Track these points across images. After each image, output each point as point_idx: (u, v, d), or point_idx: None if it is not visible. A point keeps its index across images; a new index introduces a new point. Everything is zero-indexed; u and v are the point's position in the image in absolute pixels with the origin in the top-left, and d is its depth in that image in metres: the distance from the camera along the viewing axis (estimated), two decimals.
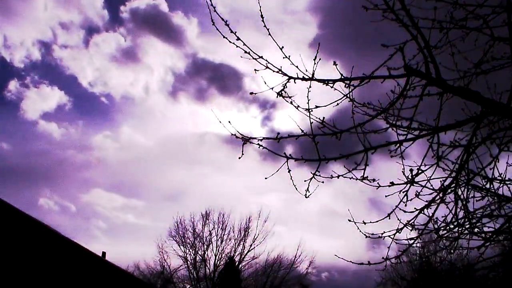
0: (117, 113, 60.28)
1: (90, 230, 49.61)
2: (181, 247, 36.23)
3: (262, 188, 60.43)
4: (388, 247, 4.65)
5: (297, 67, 4.23)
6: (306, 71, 4.23)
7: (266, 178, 4.82)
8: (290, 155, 4.55)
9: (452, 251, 5.07)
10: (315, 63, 4.18)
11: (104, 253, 18.43)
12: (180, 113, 60.03)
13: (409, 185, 4.52)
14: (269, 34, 4.24)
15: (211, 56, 59.16)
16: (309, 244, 45.69)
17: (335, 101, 4.38)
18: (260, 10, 4.19)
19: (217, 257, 36.03)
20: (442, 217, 4.63)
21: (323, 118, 4.39)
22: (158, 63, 63.11)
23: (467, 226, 4.74)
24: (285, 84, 4.35)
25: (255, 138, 4.50)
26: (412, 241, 4.69)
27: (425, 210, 4.55)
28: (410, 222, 4.56)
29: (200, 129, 59.50)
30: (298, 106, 4.41)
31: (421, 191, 4.58)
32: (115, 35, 57.40)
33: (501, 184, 4.71)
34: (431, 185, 4.59)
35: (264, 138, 4.48)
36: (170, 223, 45.43)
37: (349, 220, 4.58)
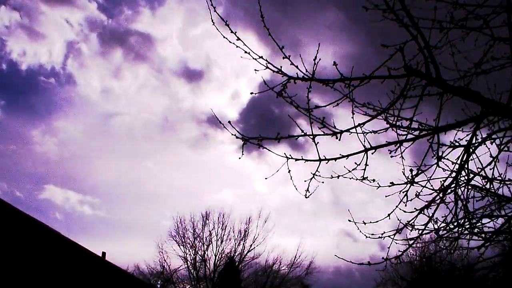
0: None
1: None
2: (181, 247, 36.26)
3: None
4: (388, 247, 4.66)
5: (297, 67, 4.23)
6: (306, 71, 4.23)
7: (266, 179, 4.83)
8: (290, 155, 4.55)
9: (452, 251, 5.07)
10: (315, 63, 4.18)
11: (104, 253, 18.42)
12: None
13: (409, 185, 4.52)
14: (269, 34, 4.24)
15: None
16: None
17: (335, 101, 4.38)
18: (260, 10, 4.19)
19: (217, 257, 36.07)
20: (442, 217, 4.64)
21: (323, 118, 4.39)
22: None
23: (467, 226, 4.74)
24: (285, 84, 4.35)
25: (255, 138, 4.49)
26: (412, 241, 4.69)
27: (425, 210, 4.56)
28: (410, 222, 4.57)
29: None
30: (298, 106, 4.41)
31: (421, 191, 4.59)
32: None
33: (501, 184, 4.71)
34: (431, 185, 4.60)
35: (263, 138, 4.48)
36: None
37: (349, 220, 4.58)
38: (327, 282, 37.49)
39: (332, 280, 37.54)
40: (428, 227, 4.61)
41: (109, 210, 52.17)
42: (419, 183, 4.56)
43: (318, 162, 4.50)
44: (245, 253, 36.11)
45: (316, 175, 4.54)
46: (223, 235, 36.52)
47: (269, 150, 4.56)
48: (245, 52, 4.25)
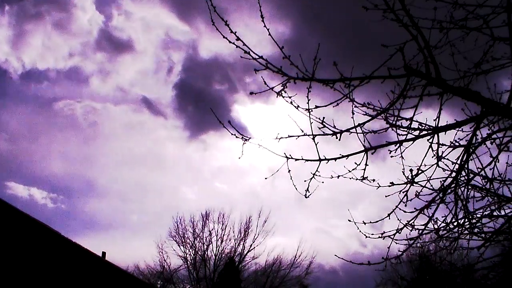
0: None
1: None
2: (181, 247, 36.25)
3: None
4: (388, 247, 4.65)
5: (297, 67, 4.23)
6: (306, 71, 4.23)
7: (266, 179, 4.83)
8: (290, 155, 4.55)
9: (452, 251, 5.06)
10: (315, 63, 4.18)
11: (104, 253, 18.42)
12: None
13: (409, 185, 4.52)
14: (269, 34, 4.24)
15: None
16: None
17: (335, 101, 4.38)
18: (260, 10, 4.19)
19: (217, 257, 36.05)
20: (442, 217, 4.64)
21: (323, 118, 4.39)
22: None
23: (467, 226, 4.74)
24: (285, 84, 4.35)
25: (255, 138, 4.51)
26: (412, 241, 4.69)
27: (425, 210, 4.55)
28: (410, 222, 4.56)
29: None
30: (298, 106, 4.41)
31: (421, 191, 4.58)
32: None
33: (501, 184, 4.71)
34: (431, 185, 4.60)
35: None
36: None
37: (349, 220, 4.58)
38: (310, 279, 37.54)
39: (315, 276, 37.63)
40: (428, 227, 4.60)
41: (69, 204, 51.54)
42: (419, 183, 4.56)
43: (318, 162, 4.50)
44: (245, 253, 36.15)
45: (316, 175, 4.54)
46: (223, 235, 36.56)
47: (269, 150, 4.57)
48: (245, 52, 4.25)
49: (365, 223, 4.56)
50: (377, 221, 4.60)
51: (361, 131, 4.43)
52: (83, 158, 52.14)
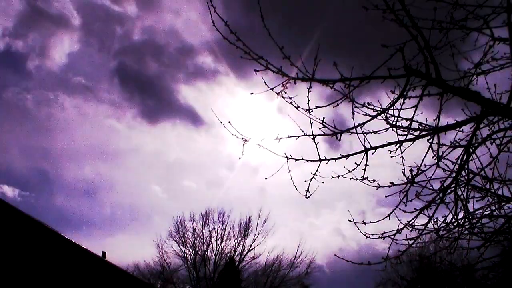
0: None
1: None
2: (181, 247, 36.26)
3: None
4: (388, 247, 4.65)
5: (297, 67, 4.23)
6: (306, 71, 4.23)
7: (266, 179, 4.83)
8: (290, 155, 4.55)
9: (452, 251, 5.06)
10: (315, 63, 4.18)
11: (104, 253, 18.42)
12: None
13: (409, 185, 4.52)
14: (269, 34, 4.24)
15: None
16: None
17: (335, 101, 4.38)
18: (260, 11, 4.19)
19: (217, 257, 36.06)
20: (442, 217, 4.64)
21: (323, 118, 4.39)
22: None
23: (467, 226, 4.73)
24: (285, 84, 4.35)
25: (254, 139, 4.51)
26: (412, 241, 4.69)
27: (425, 210, 4.55)
28: (410, 222, 4.56)
29: None
30: (298, 106, 4.41)
31: (421, 191, 4.58)
32: None
33: (501, 185, 4.71)
34: (431, 185, 4.60)
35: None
36: None
37: (349, 220, 4.58)
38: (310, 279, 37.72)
39: (314, 276, 37.78)
40: (428, 227, 4.61)
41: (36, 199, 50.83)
42: (419, 183, 4.56)
43: (318, 162, 4.50)
44: (245, 253, 36.15)
45: (316, 175, 4.54)
46: (223, 235, 36.56)
47: (269, 150, 4.57)
48: (245, 52, 4.25)
49: (365, 223, 4.56)
50: (377, 221, 4.60)
51: (361, 131, 4.43)
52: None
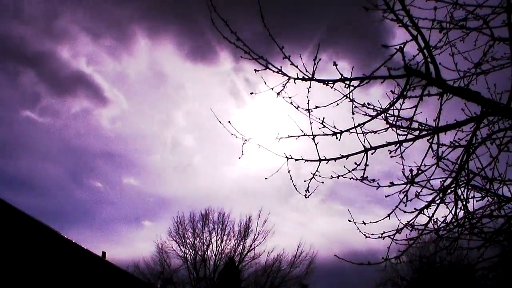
0: None
1: None
2: (181, 247, 36.26)
3: None
4: (388, 247, 4.65)
5: (297, 67, 4.23)
6: (306, 71, 4.23)
7: (266, 179, 4.83)
8: (290, 155, 4.55)
9: (452, 251, 5.06)
10: (315, 63, 4.18)
11: (104, 253, 18.42)
12: None
13: (409, 185, 4.52)
14: (269, 34, 4.24)
15: None
16: None
17: (335, 101, 4.38)
18: (260, 10, 4.19)
19: (217, 257, 36.06)
20: (442, 217, 4.64)
21: (323, 118, 4.39)
22: None
23: (467, 226, 4.73)
24: (285, 84, 4.35)
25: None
26: (412, 241, 4.69)
27: (425, 210, 4.55)
28: (410, 222, 4.56)
29: None
30: (298, 106, 4.41)
31: (421, 191, 4.58)
32: None
33: (501, 184, 4.71)
34: (431, 185, 4.60)
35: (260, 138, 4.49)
36: None
37: (349, 220, 4.58)
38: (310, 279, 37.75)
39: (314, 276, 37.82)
40: (428, 227, 4.60)
41: None
42: (419, 183, 4.56)
43: (318, 162, 4.50)
44: (245, 253, 36.15)
45: (316, 175, 4.54)
46: (223, 235, 36.56)
47: (269, 150, 4.57)
48: (245, 52, 4.25)
49: (365, 223, 4.56)
50: (377, 221, 4.60)
51: (361, 131, 4.43)
52: None
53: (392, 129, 4.46)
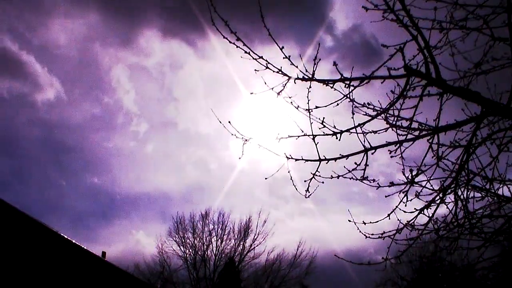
0: None
1: None
2: (181, 247, 36.26)
3: None
4: (388, 247, 4.65)
5: (297, 67, 4.23)
6: (306, 71, 4.23)
7: (266, 179, 4.83)
8: (290, 155, 4.55)
9: (452, 251, 5.06)
10: (315, 63, 4.18)
11: (104, 253, 18.42)
12: None
13: (409, 185, 4.52)
14: (269, 34, 4.24)
15: None
16: None
17: (335, 101, 4.38)
18: (260, 10, 4.19)
19: (217, 257, 36.06)
20: (442, 217, 4.64)
21: (323, 118, 4.39)
22: None
23: (467, 226, 4.73)
24: (285, 84, 4.35)
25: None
26: (412, 241, 4.69)
27: (425, 210, 4.55)
28: (410, 222, 4.56)
29: None
30: (298, 106, 4.41)
31: (421, 191, 4.58)
32: None
33: (501, 185, 4.71)
34: (431, 185, 4.60)
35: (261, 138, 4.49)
36: None
37: (349, 221, 4.58)
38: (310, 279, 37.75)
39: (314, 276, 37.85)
40: (428, 227, 4.60)
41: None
42: (419, 183, 4.56)
43: (318, 162, 4.50)
44: (245, 253, 36.14)
45: (316, 175, 4.54)
46: (223, 235, 36.56)
47: (269, 150, 4.57)
48: (245, 52, 4.25)
49: (365, 223, 4.56)
50: (377, 221, 4.60)
51: (361, 131, 4.43)
52: None
53: (392, 129, 4.46)
